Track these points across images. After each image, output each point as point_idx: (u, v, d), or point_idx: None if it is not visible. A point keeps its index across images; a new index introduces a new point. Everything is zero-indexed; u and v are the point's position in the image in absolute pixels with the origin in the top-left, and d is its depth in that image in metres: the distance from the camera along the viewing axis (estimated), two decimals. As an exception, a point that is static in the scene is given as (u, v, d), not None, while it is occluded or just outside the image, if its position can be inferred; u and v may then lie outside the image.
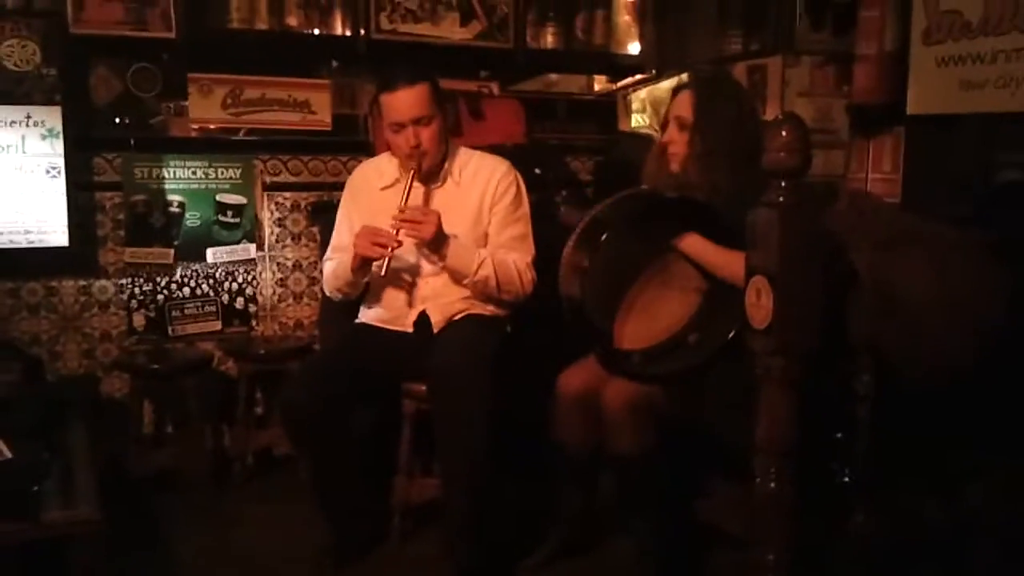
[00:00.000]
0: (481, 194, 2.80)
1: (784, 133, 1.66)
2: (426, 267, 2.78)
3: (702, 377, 2.32)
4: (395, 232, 2.60)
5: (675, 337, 2.40)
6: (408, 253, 2.73)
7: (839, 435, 2.02)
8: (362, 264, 2.69)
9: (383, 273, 2.63)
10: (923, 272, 1.90)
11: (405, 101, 2.64)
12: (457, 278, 2.74)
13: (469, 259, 2.70)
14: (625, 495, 2.49)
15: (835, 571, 2.01)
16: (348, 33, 3.72)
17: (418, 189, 2.74)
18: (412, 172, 2.67)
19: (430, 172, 2.77)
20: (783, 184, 1.67)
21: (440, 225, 2.62)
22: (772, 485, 1.73)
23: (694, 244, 2.35)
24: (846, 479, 1.99)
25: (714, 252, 2.31)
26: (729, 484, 2.21)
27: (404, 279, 2.78)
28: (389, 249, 2.59)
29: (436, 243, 2.66)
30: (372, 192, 2.86)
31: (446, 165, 2.81)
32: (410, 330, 2.78)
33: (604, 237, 2.31)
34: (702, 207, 2.33)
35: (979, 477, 2.03)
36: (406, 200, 2.64)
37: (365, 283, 2.84)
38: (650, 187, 2.55)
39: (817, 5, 3.37)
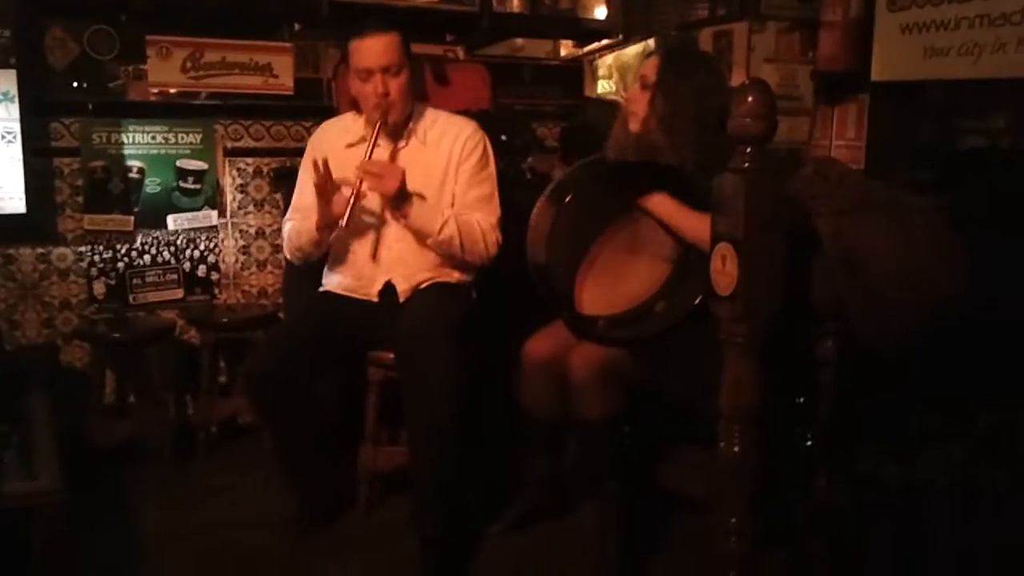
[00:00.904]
0: (448, 154, 2.77)
1: (750, 99, 1.64)
2: (391, 229, 2.75)
3: (669, 342, 2.32)
4: (358, 183, 2.57)
5: (643, 305, 2.40)
6: (372, 206, 2.70)
7: (801, 400, 2.04)
8: (327, 223, 2.66)
9: (344, 222, 2.59)
10: (886, 238, 1.91)
11: (374, 47, 2.61)
12: (420, 238, 2.71)
13: (432, 218, 2.68)
14: (590, 460, 2.50)
15: (797, 534, 2.04)
16: (310, -5, 3.65)
17: (383, 147, 2.72)
18: (378, 125, 2.63)
19: (395, 128, 2.73)
20: (748, 150, 1.66)
21: (404, 181, 2.59)
22: (735, 450, 1.74)
23: (661, 204, 2.33)
24: (808, 443, 2.02)
25: (683, 214, 2.29)
26: (693, 448, 2.22)
27: (368, 240, 2.75)
28: (350, 200, 2.56)
29: (399, 199, 2.63)
30: (336, 150, 2.80)
31: (412, 124, 2.78)
32: (375, 299, 2.76)
33: (568, 199, 2.29)
34: (672, 172, 2.31)
35: (938, 441, 2.07)
36: (370, 154, 2.62)
37: (327, 247, 2.82)
38: (616, 152, 2.53)
39: (783, -30, 3.37)
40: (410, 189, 2.64)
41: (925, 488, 2.05)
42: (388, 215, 2.73)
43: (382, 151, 2.72)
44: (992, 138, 2.84)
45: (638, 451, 2.38)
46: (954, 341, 1.96)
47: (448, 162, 2.77)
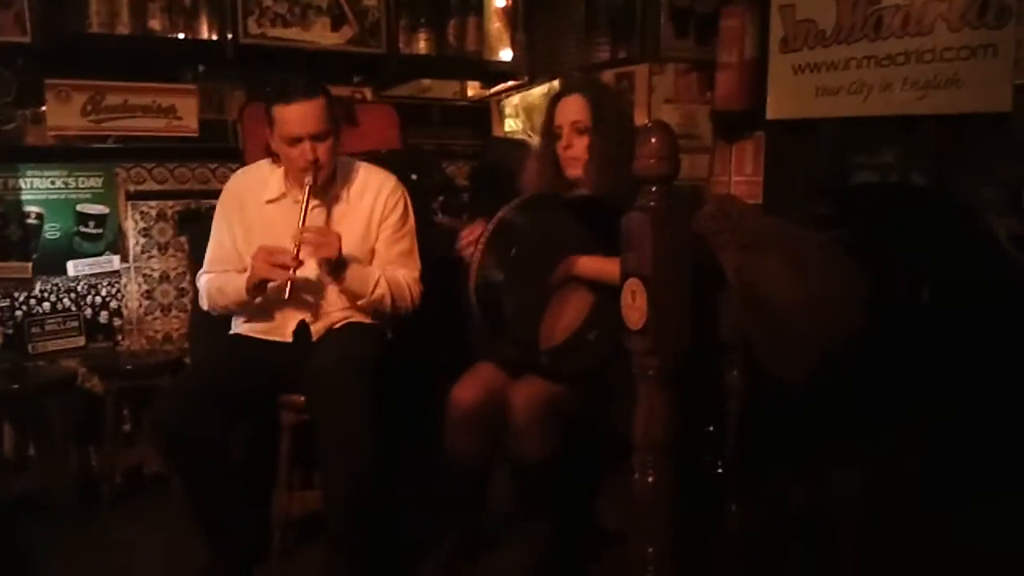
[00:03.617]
0: (369, 210, 2.77)
1: (654, 140, 1.71)
2: (324, 283, 2.72)
3: (605, 374, 2.34)
4: (296, 252, 2.53)
5: (576, 334, 2.42)
6: (306, 272, 2.66)
7: (711, 429, 2.09)
8: (258, 285, 2.62)
9: (285, 296, 2.56)
10: (785, 273, 1.99)
11: (301, 115, 2.57)
12: (353, 299, 2.71)
13: (366, 280, 2.67)
14: (526, 500, 2.49)
15: (712, 560, 2.08)
16: (215, 37, 3.63)
17: (313, 206, 2.68)
18: (308, 188, 2.59)
19: (321, 187, 2.70)
20: (654, 189, 1.72)
21: (341, 247, 2.58)
22: (650, 479, 1.78)
23: (586, 266, 2.38)
24: (719, 471, 2.07)
25: (609, 267, 2.33)
26: (616, 480, 2.25)
27: (300, 296, 2.72)
28: (291, 271, 2.52)
29: (336, 265, 2.61)
30: (256, 205, 2.77)
31: (336, 181, 2.76)
32: (289, 339, 2.73)
33: (513, 252, 2.31)
34: (607, 205, 2.34)
35: (843, 465, 2.15)
36: (303, 219, 2.57)
37: None
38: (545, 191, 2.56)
39: (681, 14, 3.49)
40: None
41: (832, 510, 2.12)
42: (318, 272, 2.69)
43: (313, 213, 2.68)
44: (882, 173, 2.98)
45: (573, 489, 2.39)
46: (852, 369, 2.05)
47: (370, 219, 2.77)
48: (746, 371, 2.00)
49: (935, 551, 2.09)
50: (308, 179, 2.60)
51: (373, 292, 2.68)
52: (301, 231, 2.55)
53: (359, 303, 2.71)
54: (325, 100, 2.63)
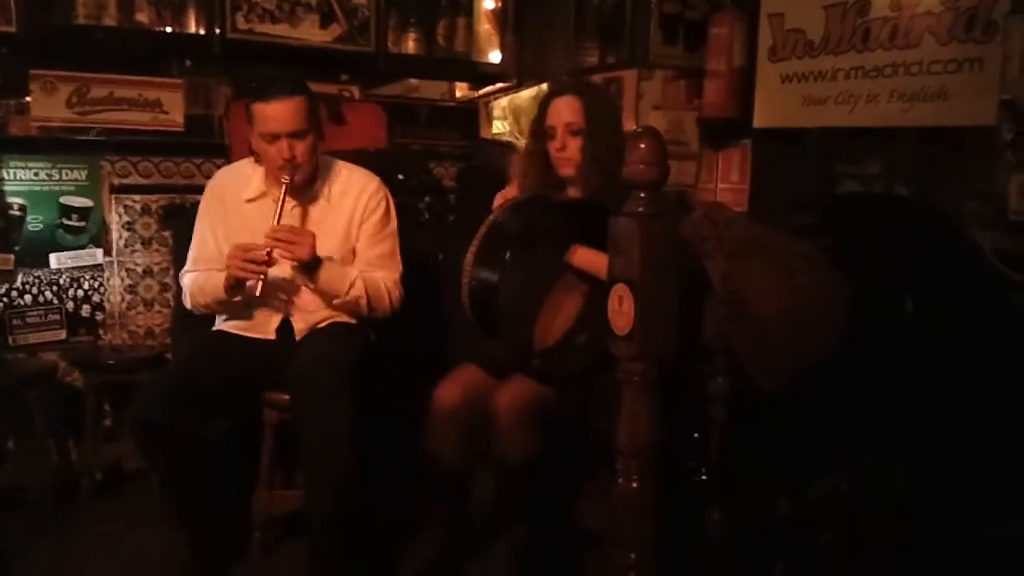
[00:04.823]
0: (351, 211, 2.77)
1: (643, 146, 1.71)
2: (298, 282, 2.72)
3: (594, 378, 2.34)
4: (269, 251, 2.52)
5: (566, 337, 2.42)
6: (280, 270, 2.65)
7: (695, 435, 2.10)
8: (235, 284, 2.60)
9: (257, 293, 2.54)
10: (771, 281, 2.00)
11: (280, 113, 2.56)
12: (328, 299, 2.70)
13: (341, 280, 2.66)
14: (507, 501, 2.49)
15: (693, 568, 2.09)
16: (202, 32, 3.62)
17: (291, 205, 2.68)
18: (284, 187, 2.59)
19: (301, 186, 2.70)
20: (642, 195, 1.73)
21: (314, 246, 2.57)
22: (634, 485, 1.78)
23: (584, 257, 2.38)
24: (703, 478, 2.07)
25: (602, 262, 2.33)
26: (598, 482, 2.25)
27: (275, 294, 2.72)
28: (264, 269, 2.51)
29: (310, 265, 2.60)
30: (237, 203, 2.77)
31: (318, 181, 2.76)
32: (272, 337, 2.72)
33: (508, 255, 2.29)
34: (599, 208, 2.34)
35: (824, 473, 2.16)
36: (279, 217, 2.57)
37: None
38: (537, 192, 2.56)
39: (670, 21, 3.50)
40: (318, 250, 2.61)
41: (813, 520, 2.13)
42: (292, 271, 2.69)
43: (290, 210, 2.68)
44: (867, 183, 2.99)
45: (554, 491, 2.39)
46: (837, 377, 2.06)
47: (351, 219, 2.76)
48: (730, 378, 2.00)
49: (918, 564, 2.10)
50: (285, 178, 2.60)
51: (348, 292, 2.67)
52: (274, 230, 2.54)
53: (335, 303, 2.70)
54: (306, 99, 2.62)
